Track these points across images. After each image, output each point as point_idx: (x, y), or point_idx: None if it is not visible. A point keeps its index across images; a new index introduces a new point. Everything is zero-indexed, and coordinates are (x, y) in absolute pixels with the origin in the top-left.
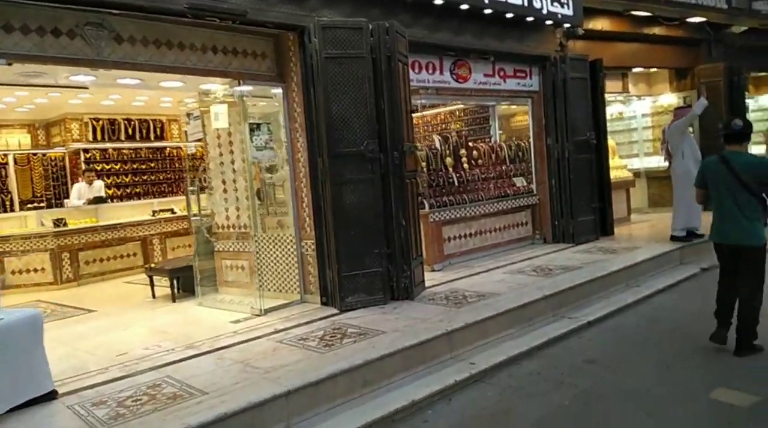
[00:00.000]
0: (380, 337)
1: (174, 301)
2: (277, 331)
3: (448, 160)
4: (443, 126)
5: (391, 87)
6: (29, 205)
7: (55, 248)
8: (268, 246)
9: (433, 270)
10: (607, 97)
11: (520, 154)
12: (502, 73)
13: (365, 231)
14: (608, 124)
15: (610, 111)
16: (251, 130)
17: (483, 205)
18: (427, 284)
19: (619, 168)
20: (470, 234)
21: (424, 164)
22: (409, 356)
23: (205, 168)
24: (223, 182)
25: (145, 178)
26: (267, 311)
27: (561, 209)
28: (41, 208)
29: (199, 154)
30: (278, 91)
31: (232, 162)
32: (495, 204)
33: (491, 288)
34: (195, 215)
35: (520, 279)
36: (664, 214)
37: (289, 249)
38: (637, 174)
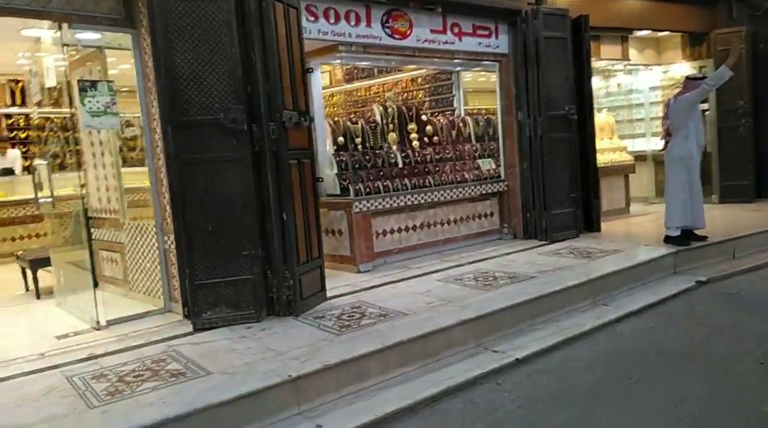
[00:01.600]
0: (191, 384)
1: (38, 298)
2: (88, 358)
3: (391, 136)
4: (404, 95)
5: (263, 35)
6: None
7: None
8: (136, 238)
9: (359, 272)
10: (604, 64)
11: (490, 130)
12: (456, 30)
13: (230, 227)
14: (607, 97)
15: (609, 82)
16: (83, 90)
17: (431, 193)
18: (338, 291)
19: (616, 149)
20: (414, 227)
21: (358, 140)
22: (217, 417)
23: (46, 138)
24: (93, 156)
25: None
26: (113, 323)
27: (533, 199)
28: None
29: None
30: (128, 39)
31: (99, 131)
32: (447, 191)
33: (404, 304)
34: (46, 197)
35: (451, 290)
36: None
37: (154, 244)
38: (642, 157)
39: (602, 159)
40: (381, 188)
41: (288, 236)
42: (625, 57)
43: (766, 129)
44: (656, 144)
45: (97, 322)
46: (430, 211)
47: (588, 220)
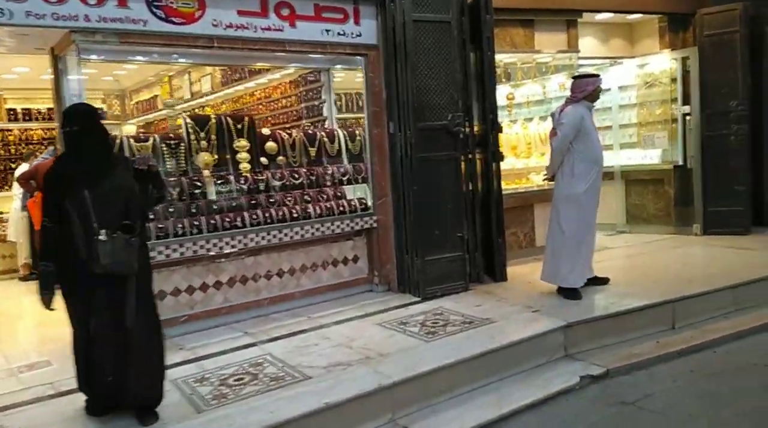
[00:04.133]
0: None
1: None
2: None
3: (202, 158)
4: (282, 102)
5: None
6: None
7: None
8: None
9: None
10: (550, 58)
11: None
12: (286, 12)
13: None
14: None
15: (547, 83)
16: None
17: (243, 237)
18: None
19: None
20: (217, 284)
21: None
22: None
23: None
24: None
25: None
26: None
27: (406, 239)
28: None
29: None
30: None
31: None
32: (273, 233)
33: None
34: None
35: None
36: (644, 238)
37: None
38: (608, 174)
39: (537, 180)
40: (165, 230)
41: None
42: (572, 47)
43: (767, 140)
44: (628, 158)
45: None
46: (249, 259)
47: (491, 266)
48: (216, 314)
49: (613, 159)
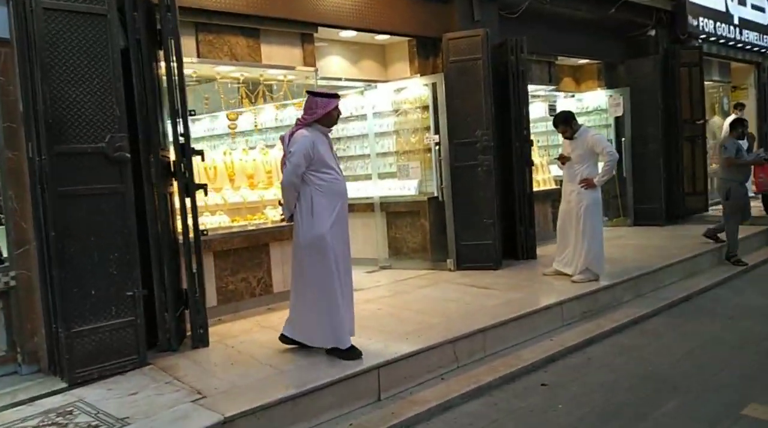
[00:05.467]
0: None
1: None
2: None
3: None
4: None
5: None
6: None
7: None
8: None
9: None
10: (282, 75)
11: None
12: None
13: None
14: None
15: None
16: None
17: None
18: None
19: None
20: None
21: None
22: None
23: None
24: None
25: None
26: None
27: (54, 303)
28: None
29: None
30: None
31: None
32: None
33: None
34: None
35: None
36: (400, 274)
37: None
38: (369, 205)
39: (273, 215)
40: None
41: None
42: (308, 64)
43: (516, 170)
44: (389, 188)
45: None
46: None
47: (180, 332)
48: None
49: (373, 189)
